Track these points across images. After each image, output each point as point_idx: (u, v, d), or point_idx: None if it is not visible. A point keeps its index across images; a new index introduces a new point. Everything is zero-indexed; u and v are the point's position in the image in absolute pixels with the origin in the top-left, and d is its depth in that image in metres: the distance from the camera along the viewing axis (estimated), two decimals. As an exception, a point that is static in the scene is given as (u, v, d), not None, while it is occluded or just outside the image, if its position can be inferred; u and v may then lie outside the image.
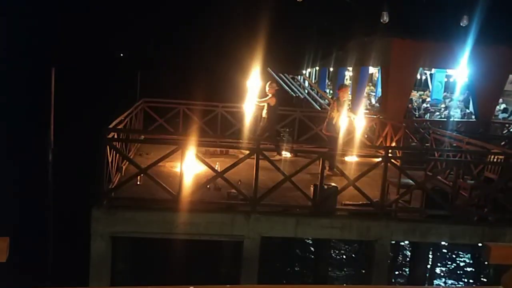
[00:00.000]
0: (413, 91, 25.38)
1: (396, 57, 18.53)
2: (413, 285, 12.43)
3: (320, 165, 9.08)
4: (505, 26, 17.43)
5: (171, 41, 45.29)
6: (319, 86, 31.72)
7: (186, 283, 2.94)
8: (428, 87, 30.05)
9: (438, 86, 27.51)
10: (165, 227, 8.54)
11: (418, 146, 14.73)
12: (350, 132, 12.75)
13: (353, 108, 18.65)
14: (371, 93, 29.73)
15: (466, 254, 13.89)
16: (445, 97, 27.89)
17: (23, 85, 33.71)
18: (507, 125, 21.45)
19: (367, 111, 19.72)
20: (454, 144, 12.81)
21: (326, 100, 24.94)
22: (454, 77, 27.73)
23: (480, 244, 9.85)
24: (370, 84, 30.94)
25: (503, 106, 24.33)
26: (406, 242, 12.91)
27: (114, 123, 10.20)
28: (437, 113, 24.05)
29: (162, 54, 45.56)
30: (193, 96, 18.51)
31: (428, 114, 23.97)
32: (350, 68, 27.47)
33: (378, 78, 26.44)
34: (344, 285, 12.28)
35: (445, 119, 21.66)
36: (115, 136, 9.55)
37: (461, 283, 12.78)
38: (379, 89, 24.23)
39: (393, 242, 10.74)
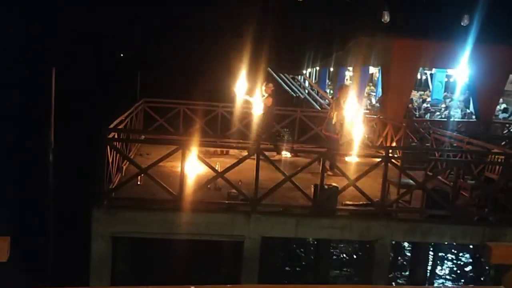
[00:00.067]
0: (413, 91, 25.37)
1: (397, 57, 18.55)
2: (414, 285, 12.44)
3: (321, 165, 9.08)
4: (505, 25, 17.42)
5: (171, 41, 45.24)
6: (320, 86, 31.70)
7: (186, 283, 2.94)
8: (428, 87, 30.05)
9: (439, 86, 27.51)
10: (166, 227, 8.54)
11: (419, 146, 14.72)
12: (349, 133, 12.74)
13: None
14: (372, 93, 29.74)
15: (467, 254, 13.87)
16: (445, 97, 27.89)
17: (23, 85, 33.69)
18: (507, 125, 21.44)
19: (367, 111, 19.71)
20: (455, 144, 12.80)
21: (327, 100, 24.92)
22: (455, 77, 27.72)
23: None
24: (371, 84, 30.94)
25: (503, 106, 24.33)
26: (407, 242, 12.89)
27: (114, 123, 10.20)
28: (438, 113, 24.05)
29: (162, 54, 45.51)
30: (193, 96, 18.52)
31: (429, 114, 23.97)
32: (351, 68, 27.47)
33: (378, 78, 26.45)
34: (345, 285, 12.26)
35: (445, 119, 21.66)
36: (116, 136, 9.55)
37: (461, 283, 12.77)
38: (380, 89, 24.23)
39: (394, 242, 10.74)
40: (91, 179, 8.98)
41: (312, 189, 9.18)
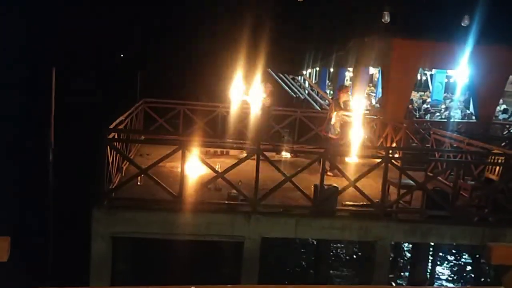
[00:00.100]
0: (413, 91, 25.38)
1: (397, 58, 18.51)
2: (414, 286, 12.43)
3: (321, 166, 9.08)
4: (506, 26, 17.40)
5: (171, 41, 45.23)
6: (320, 87, 31.71)
7: (186, 283, 2.93)
8: (428, 87, 30.07)
9: (439, 87, 27.54)
10: (166, 227, 8.54)
11: (419, 146, 14.73)
12: (347, 134, 12.75)
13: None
14: (372, 93, 29.75)
15: (467, 255, 13.88)
16: (445, 98, 27.91)
17: (23, 85, 33.69)
18: (507, 126, 21.44)
19: (367, 112, 19.70)
20: (455, 145, 12.81)
21: (327, 101, 24.93)
22: (455, 78, 27.74)
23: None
24: (371, 84, 30.96)
25: (503, 107, 24.34)
26: (407, 243, 12.89)
27: (114, 123, 10.20)
28: (438, 114, 24.06)
29: (162, 54, 45.51)
30: (193, 96, 18.53)
31: (429, 115, 23.99)
32: (351, 69, 27.47)
33: (378, 79, 26.45)
34: (345, 285, 12.27)
35: (445, 120, 21.66)
36: (116, 137, 9.54)
37: (461, 283, 12.78)
38: (380, 90, 24.23)
39: (394, 242, 10.75)
40: (91, 179, 8.98)
41: (312, 190, 9.18)
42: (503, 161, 10.13)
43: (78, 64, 43.94)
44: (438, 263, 13.34)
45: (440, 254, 13.57)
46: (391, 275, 11.93)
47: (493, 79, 19.07)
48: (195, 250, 10.65)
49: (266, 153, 9.34)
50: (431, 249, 12.35)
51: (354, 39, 21.92)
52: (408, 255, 13.30)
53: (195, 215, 8.57)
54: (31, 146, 17.79)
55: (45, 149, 11.05)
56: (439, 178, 11.23)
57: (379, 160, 9.55)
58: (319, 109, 22.56)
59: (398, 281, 12.33)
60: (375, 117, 16.50)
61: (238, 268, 8.98)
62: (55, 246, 10.88)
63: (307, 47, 27.22)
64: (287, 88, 29.42)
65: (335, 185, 9.34)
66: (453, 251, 14.00)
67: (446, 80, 28.84)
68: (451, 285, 12.74)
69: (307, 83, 30.97)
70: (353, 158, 12.41)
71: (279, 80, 29.52)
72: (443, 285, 12.66)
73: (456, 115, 23.05)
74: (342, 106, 12.63)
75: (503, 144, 16.73)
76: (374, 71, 28.36)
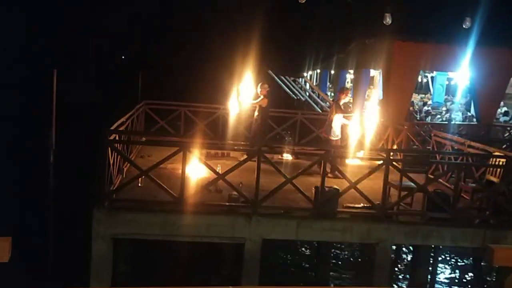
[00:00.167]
0: (414, 94, 25.39)
1: (397, 60, 18.52)
2: (414, 288, 12.41)
3: (322, 168, 9.07)
4: (507, 28, 17.40)
5: (171, 41, 45.24)
6: (321, 89, 31.72)
7: (187, 285, 2.93)
8: (429, 90, 30.10)
9: (439, 89, 27.55)
10: (167, 229, 8.54)
11: (420, 148, 14.72)
12: (347, 137, 12.76)
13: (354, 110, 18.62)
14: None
15: (468, 257, 13.86)
16: (446, 100, 27.92)
17: (23, 85, 33.70)
18: (508, 128, 21.45)
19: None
20: (456, 147, 12.80)
21: (328, 103, 24.93)
22: (456, 80, 27.75)
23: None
24: (372, 86, 30.95)
25: (504, 109, 24.35)
26: (408, 245, 12.87)
27: (115, 124, 10.20)
28: (438, 116, 24.09)
29: (162, 54, 45.54)
30: (193, 97, 18.52)
31: (429, 117, 24.00)
32: (351, 71, 27.47)
33: (379, 81, 26.44)
34: (345, 287, 12.25)
35: (446, 122, 21.68)
36: (117, 138, 9.53)
37: (462, 286, 12.76)
38: (381, 92, 24.22)
39: (394, 246, 10.73)
40: (91, 180, 8.97)
41: (313, 191, 9.17)
42: (504, 163, 10.12)
43: (78, 64, 43.93)
44: (439, 265, 13.31)
45: (441, 256, 13.56)
46: (392, 277, 11.93)
47: (494, 81, 19.09)
48: (195, 252, 10.65)
49: (267, 155, 9.33)
50: (432, 251, 12.34)
51: (354, 41, 21.93)
52: (409, 257, 13.29)
53: (196, 217, 8.56)
54: (32, 146, 17.78)
55: (46, 150, 11.05)
56: (440, 180, 11.22)
57: (380, 162, 9.54)
58: (320, 111, 22.58)
59: (399, 283, 12.32)
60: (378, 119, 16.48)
61: (238, 269, 8.97)
62: (55, 246, 10.88)
63: (307, 49, 27.25)
64: (288, 90, 29.43)
65: (336, 187, 9.32)
66: (454, 253, 13.98)
67: (447, 83, 28.86)
68: (452, 287, 12.72)
69: (308, 85, 30.99)
70: (354, 160, 12.43)
71: (280, 82, 29.55)
72: (444, 287, 12.64)
73: (457, 117, 23.08)
74: (342, 108, 12.64)
75: (504, 146, 16.75)
76: (375, 73, 28.35)
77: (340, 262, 13.36)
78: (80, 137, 17.45)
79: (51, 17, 47.66)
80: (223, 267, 11.45)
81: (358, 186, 9.15)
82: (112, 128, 9.67)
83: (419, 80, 28.80)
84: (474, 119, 21.52)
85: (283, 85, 29.93)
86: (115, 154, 9.26)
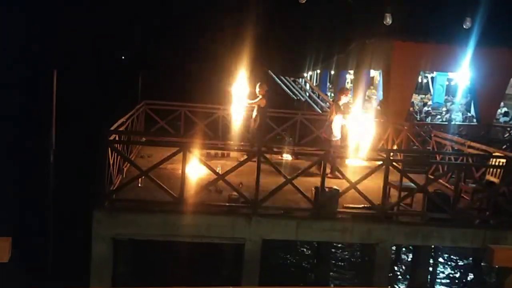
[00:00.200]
0: (414, 94, 25.39)
1: (397, 60, 18.52)
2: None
3: (322, 168, 9.07)
4: (507, 28, 17.39)
5: (171, 41, 45.23)
6: (321, 89, 31.73)
7: (187, 285, 2.93)
8: (429, 90, 30.10)
9: (440, 90, 27.56)
10: (167, 229, 8.54)
11: (420, 149, 14.72)
12: (347, 137, 12.76)
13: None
14: (373, 96, 29.76)
15: (468, 258, 13.85)
16: (446, 101, 27.92)
17: (23, 85, 33.68)
18: (508, 128, 21.45)
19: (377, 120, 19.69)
20: (456, 148, 12.80)
21: (327, 103, 24.93)
22: (456, 81, 27.76)
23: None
24: (372, 87, 30.97)
25: (504, 109, 24.35)
26: (408, 245, 12.87)
27: (115, 125, 10.19)
28: (438, 117, 24.09)
29: (162, 54, 45.52)
30: (193, 97, 18.51)
31: (430, 118, 24.00)
32: (352, 71, 27.46)
33: (379, 81, 26.45)
34: (345, 287, 12.26)
35: (446, 123, 21.67)
36: (117, 138, 9.53)
37: (462, 286, 12.76)
38: (381, 92, 24.23)
39: (394, 246, 10.73)
40: (91, 180, 8.97)
41: (313, 192, 9.17)
42: (504, 163, 10.12)
43: (78, 64, 43.91)
44: (439, 265, 13.32)
45: (441, 256, 13.56)
46: (391, 278, 11.92)
47: (495, 81, 19.09)
48: (195, 252, 10.64)
49: (267, 155, 9.33)
50: (432, 251, 12.34)
51: (354, 41, 21.93)
52: (409, 257, 13.28)
53: (196, 217, 8.56)
54: (32, 146, 17.78)
55: (46, 150, 11.05)
56: (440, 180, 11.23)
57: (380, 163, 9.54)
58: (320, 112, 22.57)
59: (399, 284, 12.32)
60: (376, 119, 16.47)
61: (238, 270, 8.97)
62: (55, 246, 10.88)
63: (307, 49, 27.23)
64: (288, 91, 29.41)
65: (336, 187, 9.33)
66: (454, 254, 13.98)
67: (447, 83, 28.87)
68: (451, 288, 12.73)
69: (308, 85, 30.98)
70: (354, 160, 12.43)
71: (280, 83, 29.53)
72: (443, 288, 12.65)
73: (457, 117, 23.08)
74: (342, 108, 12.63)
75: (504, 146, 16.75)
76: (375, 73, 28.36)
77: (340, 263, 13.36)
78: (80, 137, 17.43)
79: (51, 17, 47.65)
80: (223, 268, 11.44)
81: (358, 186, 9.16)
82: (112, 128, 9.67)
83: (419, 80, 28.80)
84: (474, 120, 21.53)
85: (283, 85, 29.88)
86: (115, 154, 9.26)
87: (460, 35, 17.66)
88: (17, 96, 30.14)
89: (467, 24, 17.54)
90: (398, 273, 12.85)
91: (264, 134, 14.07)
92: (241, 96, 13.92)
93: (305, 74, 31.80)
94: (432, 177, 10.78)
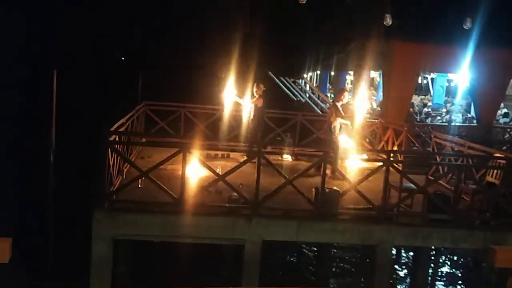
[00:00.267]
0: (414, 95, 25.38)
1: (397, 61, 18.50)
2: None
3: (322, 169, 9.06)
4: (507, 29, 17.38)
5: (171, 41, 45.29)
6: (321, 90, 31.73)
7: (187, 286, 2.92)
8: (429, 91, 30.09)
9: (440, 91, 27.55)
10: (167, 230, 8.53)
11: (420, 150, 14.71)
12: (347, 137, 12.76)
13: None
14: (373, 97, 29.77)
15: (468, 259, 13.86)
16: (446, 102, 27.92)
17: (23, 85, 33.68)
18: (508, 129, 21.45)
19: (368, 115, 19.70)
20: (456, 149, 12.79)
21: (327, 104, 24.92)
22: (456, 82, 27.75)
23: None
24: (372, 88, 30.97)
25: (504, 110, 24.35)
26: (408, 246, 12.87)
27: (116, 125, 10.18)
28: (438, 118, 24.08)
29: (162, 54, 45.57)
30: (193, 97, 18.51)
31: (430, 119, 24.00)
32: (351, 72, 27.45)
33: (379, 82, 26.44)
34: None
35: (446, 124, 21.67)
36: (117, 139, 9.52)
37: (463, 287, 12.77)
38: (381, 93, 24.24)
39: (395, 247, 10.72)
40: (91, 180, 8.96)
41: (313, 193, 9.17)
42: (504, 164, 10.11)
43: (78, 64, 43.92)
44: (440, 267, 13.32)
45: (442, 258, 13.56)
46: (392, 279, 11.91)
47: (495, 82, 19.08)
48: (195, 253, 10.63)
49: (267, 156, 9.32)
50: (432, 253, 12.34)
51: (354, 42, 21.90)
52: (410, 259, 13.28)
53: (196, 218, 8.55)
54: (32, 146, 17.78)
55: (46, 150, 11.05)
56: (440, 181, 11.22)
57: (380, 164, 9.53)
58: (320, 112, 22.56)
59: (399, 285, 12.31)
60: (376, 120, 16.49)
61: (238, 271, 8.96)
62: (55, 246, 10.88)
63: (307, 49, 27.22)
64: (288, 92, 29.42)
65: (336, 188, 9.32)
66: (455, 255, 13.98)
67: (447, 84, 28.86)
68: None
69: (308, 86, 30.99)
70: (354, 162, 12.41)
71: (280, 84, 29.54)
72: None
73: (457, 118, 23.07)
74: (341, 109, 12.61)
75: (504, 147, 16.74)
76: (375, 74, 28.35)
77: (340, 264, 13.35)
78: (80, 137, 17.43)
79: (51, 17, 47.69)
80: (223, 268, 11.44)
81: (359, 187, 9.15)
82: (112, 129, 9.66)
83: (419, 81, 28.78)
84: (474, 121, 21.51)
85: (283, 86, 29.91)
86: (115, 155, 9.25)
87: (460, 36, 17.64)
88: (17, 96, 30.14)
89: (467, 25, 17.51)
90: (399, 274, 12.85)
91: (261, 133, 14.05)
92: (239, 97, 13.94)
93: (305, 75, 31.82)
94: (432, 178, 10.77)
